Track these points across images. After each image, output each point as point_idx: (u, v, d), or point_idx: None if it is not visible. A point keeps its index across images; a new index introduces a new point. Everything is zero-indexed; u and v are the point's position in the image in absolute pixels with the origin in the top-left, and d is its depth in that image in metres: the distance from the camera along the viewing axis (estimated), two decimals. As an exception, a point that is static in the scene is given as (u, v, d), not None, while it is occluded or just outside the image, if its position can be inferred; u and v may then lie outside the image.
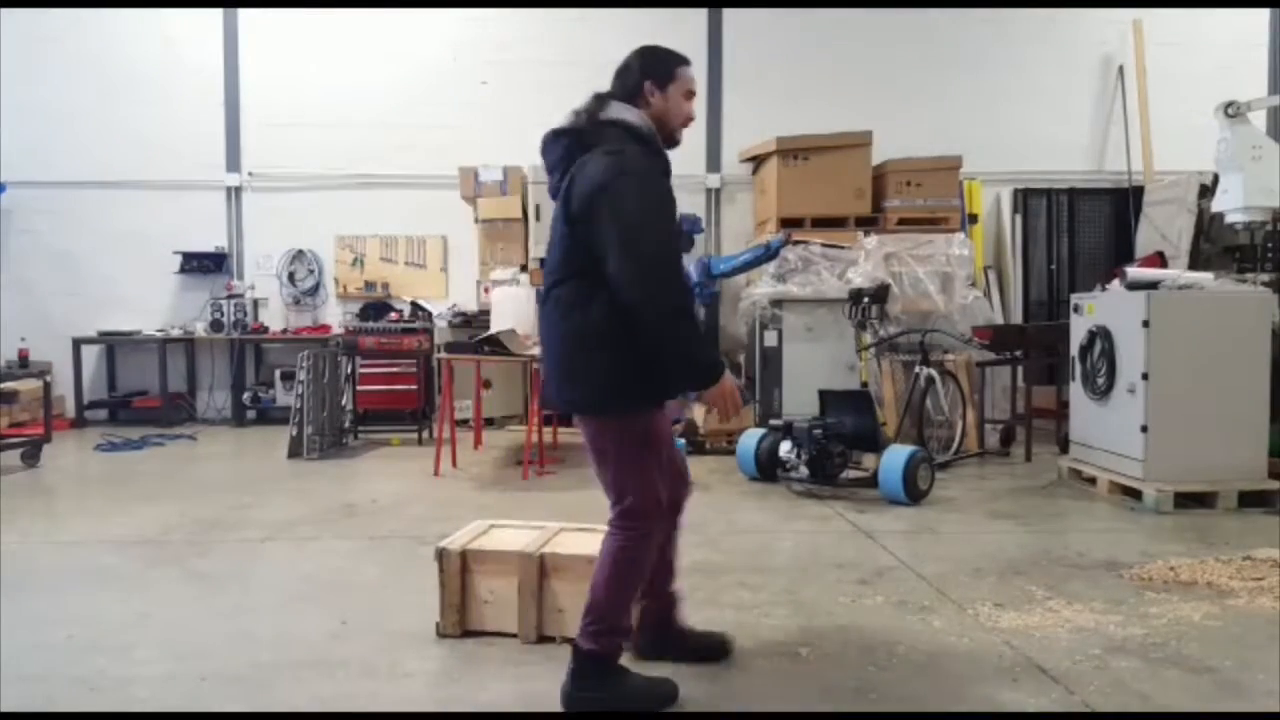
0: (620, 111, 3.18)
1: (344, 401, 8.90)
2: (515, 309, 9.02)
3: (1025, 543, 5.23)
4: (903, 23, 10.56)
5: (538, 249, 9.50)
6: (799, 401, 7.86)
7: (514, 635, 3.65)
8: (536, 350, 7.71)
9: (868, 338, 7.67)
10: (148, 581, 4.54)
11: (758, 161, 9.99)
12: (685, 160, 10.50)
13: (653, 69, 3.19)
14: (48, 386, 8.44)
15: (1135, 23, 10.49)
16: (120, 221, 10.47)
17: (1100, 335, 6.45)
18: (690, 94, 3.20)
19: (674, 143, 3.21)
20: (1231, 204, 6.92)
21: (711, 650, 3.46)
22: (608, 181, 2.96)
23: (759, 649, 3.54)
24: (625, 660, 3.20)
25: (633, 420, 3.05)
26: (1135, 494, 6.10)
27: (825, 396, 6.84)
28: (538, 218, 9.48)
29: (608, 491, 3.12)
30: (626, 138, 3.11)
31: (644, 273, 2.89)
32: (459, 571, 3.69)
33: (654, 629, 3.44)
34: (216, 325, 10.31)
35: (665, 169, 3.17)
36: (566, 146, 3.21)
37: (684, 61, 3.24)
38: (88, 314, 10.37)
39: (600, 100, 3.24)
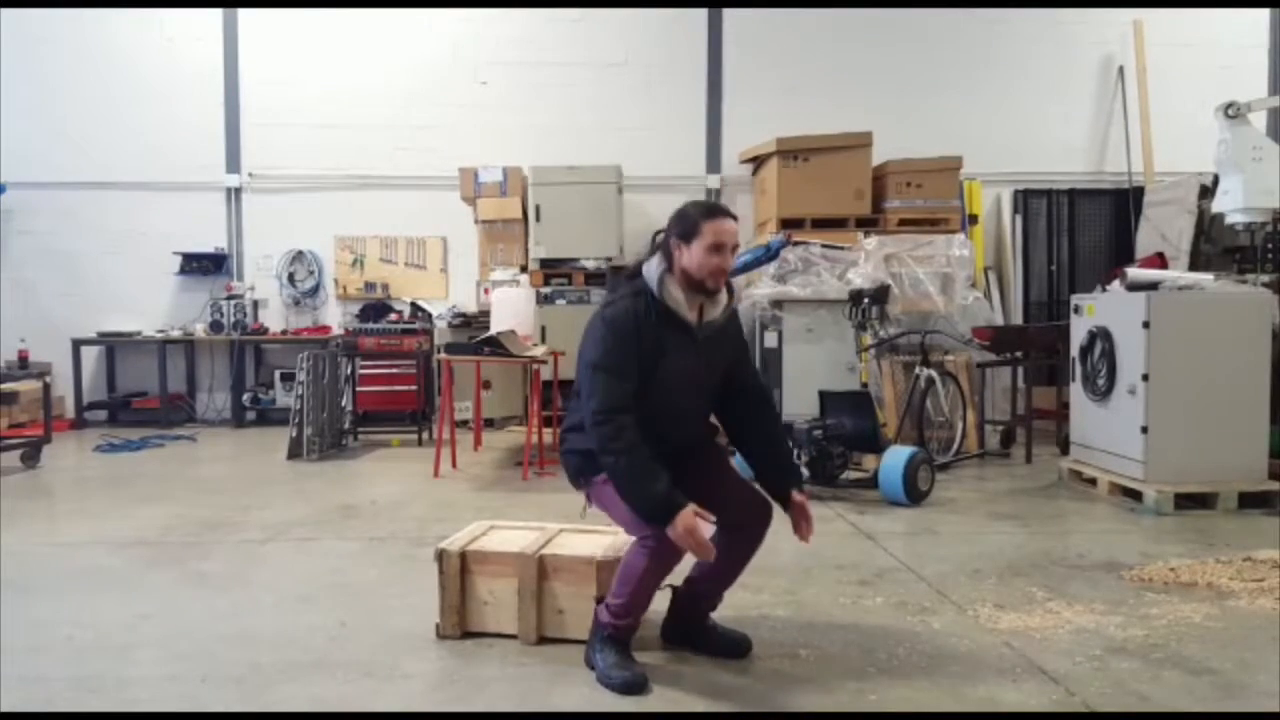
0: (646, 266, 3.43)
1: (344, 402, 8.90)
2: (515, 310, 9.03)
3: (1025, 544, 5.22)
4: (903, 23, 10.56)
5: (537, 250, 9.53)
6: (799, 402, 7.86)
7: (514, 636, 3.65)
8: (536, 351, 7.74)
9: (868, 339, 7.67)
10: (147, 583, 4.54)
11: (758, 162, 9.99)
12: (685, 161, 10.58)
13: (678, 226, 3.37)
14: (47, 387, 8.43)
15: (1136, 23, 10.49)
16: (120, 222, 10.48)
17: (1100, 336, 6.45)
18: (718, 246, 3.31)
19: (706, 290, 3.36)
20: (1232, 205, 6.93)
21: (731, 648, 3.53)
22: (587, 327, 3.40)
23: (759, 650, 3.54)
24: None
25: (600, 482, 3.33)
26: (1136, 495, 6.10)
27: (825, 397, 6.84)
28: (538, 218, 9.50)
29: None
30: (630, 290, 3.38)
31: (590, 419, 3.23)
32: (458, 573, 3.69)
33: (682, 618, 3.61)
34: (216, 326, 10.31)
35: (665, 323, 3.33)
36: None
37: (713, 215, 3.35)
38: (87, 315, 10.38)
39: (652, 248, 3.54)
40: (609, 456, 3.19)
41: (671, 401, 3.34)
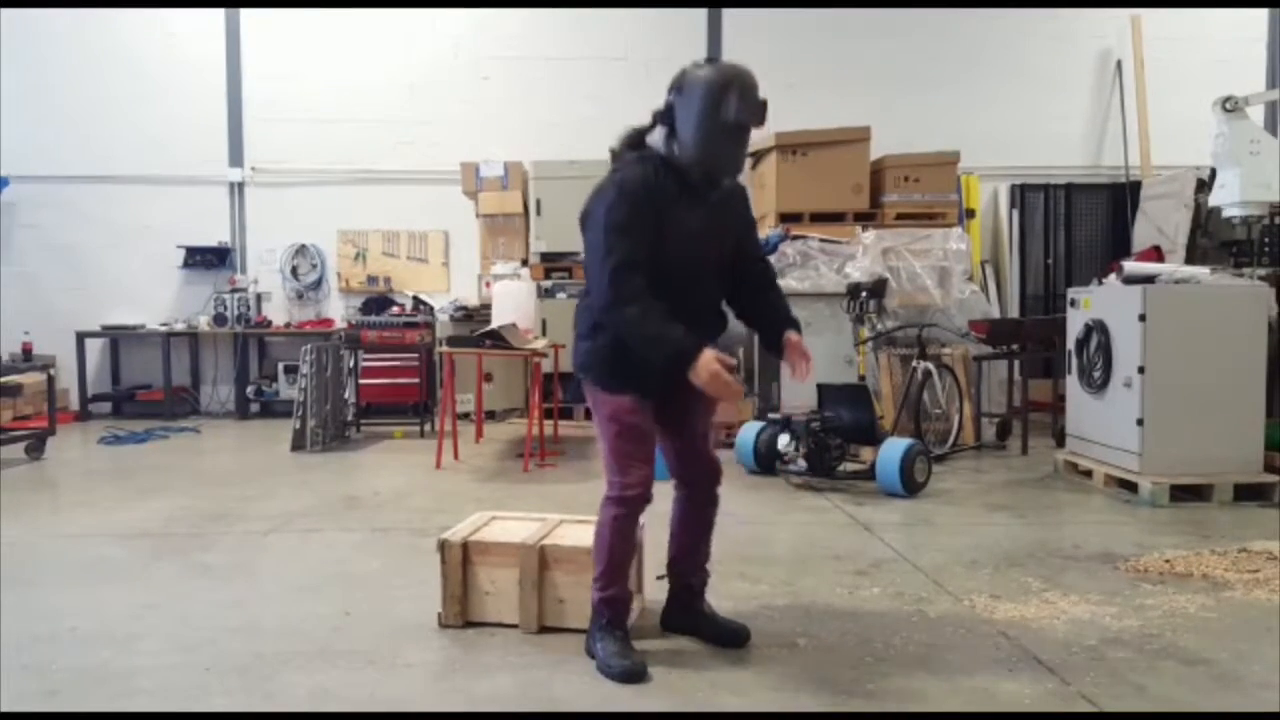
0: (650, 136, 3.34)
1: (346, 395, 8.94)
2: (516, 303, 9.03)
3: (1021, 535, 5.25)
4: (901, 18, 10.57)
5: (538, 243, 9.55)
6: (797, 395, 7.87)
7: (515, 626, 3.68)
8: (537, 344, 7.76)
9: (865, 332, 7.69)
10: (151, 573, 4.57)
11: (756, 157, 9.99)
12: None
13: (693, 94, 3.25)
14: (51, 380, 8.47)
15: (1134, 18, 10.49)
16: (124, 216, 10.51)
17: (1097, 329, 6.47)
18: (739, 127, 3.25)
19: (710, 181, 3.32)
20: (1229, 198, 6.96)
21: (730, 637, 3.56)
22: (593, 194, 3.31)
23: (757, 639, 3.57)
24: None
25: (603, 397, 3.35)
26: (1131, 487, 6.13)
27: (823, 390, 6.86)
28: (539, 212, 9.53)
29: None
30: (637, 156, 3.31)
31: (605, 276, 3.16)
32: (460, 563, 3.72)
33: (678, 605, 3.65)
34: (220, 319, 10.35)
35: (675, 186, 3.25)
36: None
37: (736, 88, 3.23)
38: (91, 308, 10.41)
39: None
40: (625, 308, 3.13)
41: (683, 268, 3.26)
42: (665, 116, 3.27)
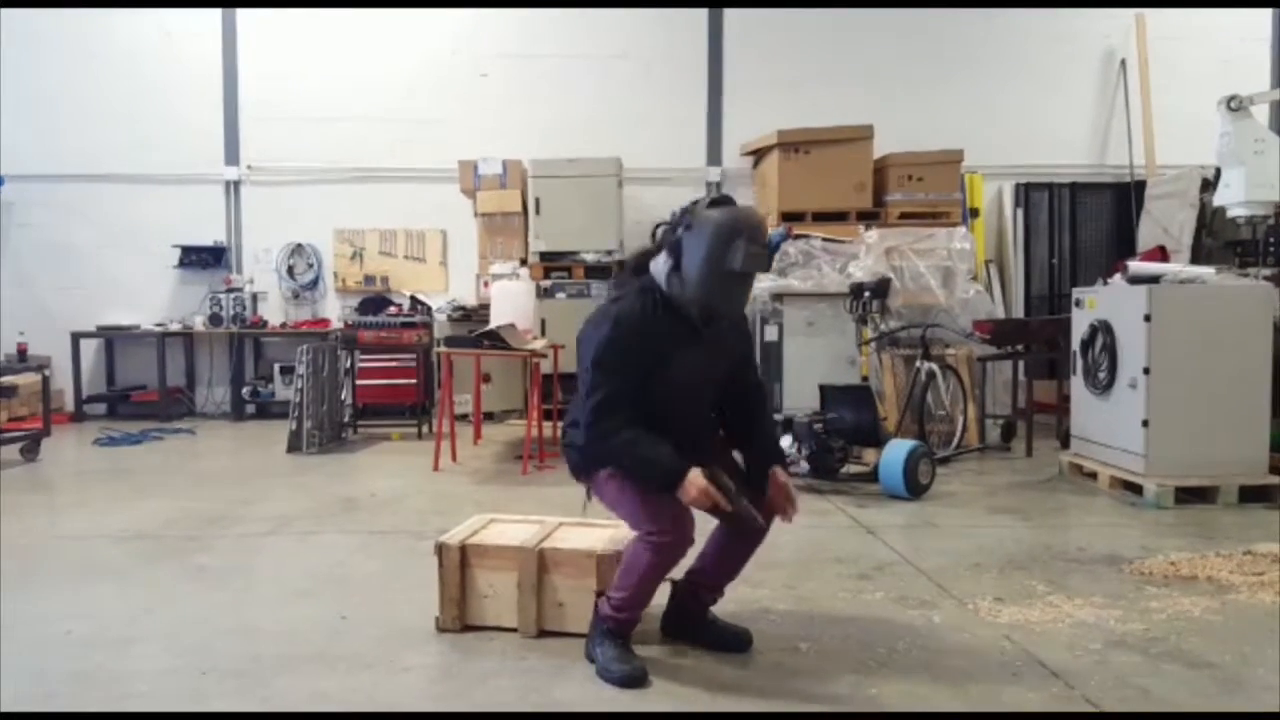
0: (653, 264, 3.39)
1: (343, 396, 8.91)
2: (514, 303, 9.00)
3: (1026, 537, 5.23)
4: (904, 16, 10.55)
5: (537, 243, 9.52)
6: (800, 396, 7.85)
7: (513, 630, 3.65)
8: (536, 344, 7.73)
9: (869, 332, 7.66)
10: (147, 576, 4.54)
11: (759, 155, 9.98)
12: (685, 153, 10.57)
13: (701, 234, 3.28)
14: (46, 381, 8.44)
15: (1138, 16, 10.48)
16: (119, 215, 10.49)
17: (1102, 329, 6.44)
18: (742, 276, 3.30)
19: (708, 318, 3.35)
20: (1233, 198, 6.94)
21: (731, 642, 3.53)
22: (590, 320, 3.37)
23: (759, 643, 3.54)
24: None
25: (608, 473, 3.34)
26: (1136, 489, 6.10)
27: (826, 391, 6.83)
28: (538, 211, 9.49)
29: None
30: (637, 287, 3.36)
31: (589, 413, 3.25)
32: (458, 566, 3.69)
33: (681, 610, 3.61)
34: (215, 319, 10.32)
35: (671, 321, 3.30)
36: None
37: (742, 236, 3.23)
38: (86, 308, 10.38)
39: None
40: (610, 441, 3.22)
41: (676, 399, 3.32)
42: (672, 249, 3.28)
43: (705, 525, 3.45)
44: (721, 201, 3.30)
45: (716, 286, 3.23)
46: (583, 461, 3.41)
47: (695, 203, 3.31)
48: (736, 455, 3.59)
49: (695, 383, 3.38)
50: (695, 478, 3.15)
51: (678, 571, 3.46)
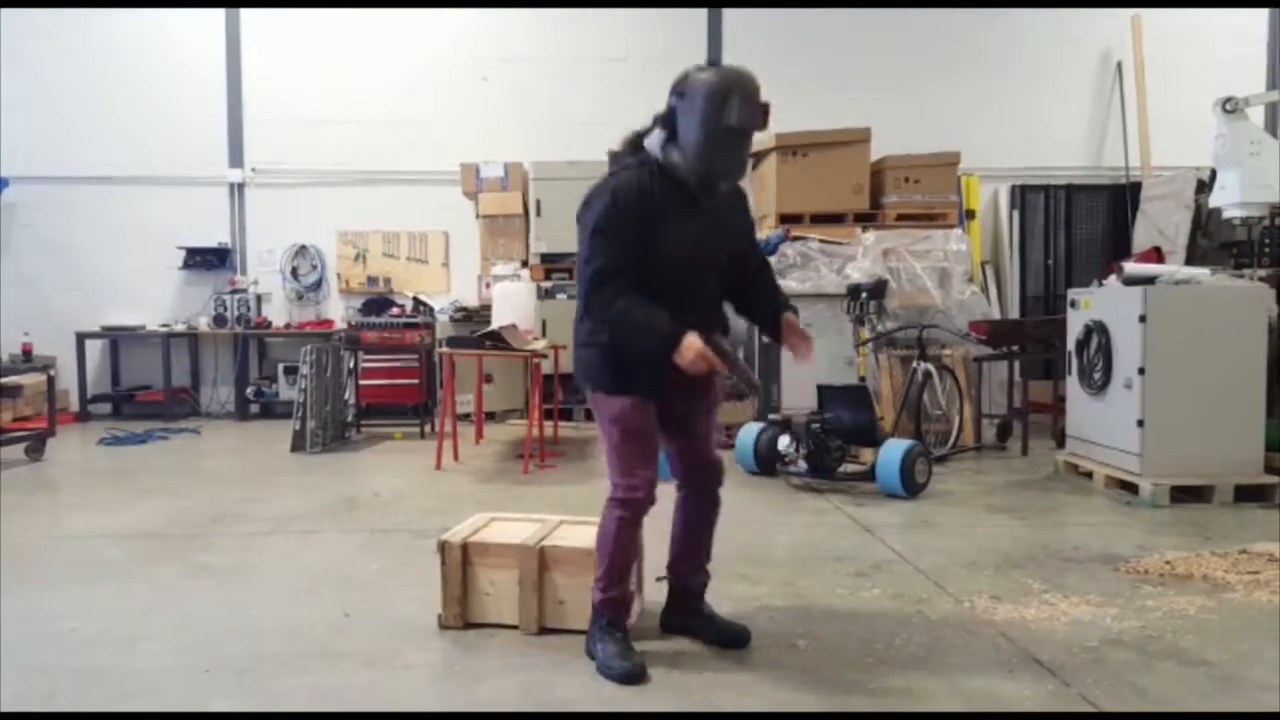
0: (648, 139, 3.34)
1: (346, 396, 8.94)
2: (516, 304, 9.03)
3: (1022, 536, 5.25)
4: (902, 20, 10.57)
5: (538, 244, 9.56)
6: (797, 396, 7.88)
7: (515, 627, 3.68)
8: (537, 345, 7.77)
9: (866, 333, 7.69)
10: (151, 575, 4.57)
11: (757, 157, 9.98)
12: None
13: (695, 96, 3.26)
14: (51, 381, 8.48)
15: (1134, 18, 10.49)
16: (123, 217, 10.50)
17: (1097, 330, 6.47)
18: (740, 132, 3.26)
19: (707, 187, 3.32)
20: (1229, 199, 6.96)
21: (730, 638, 3.56)
22: (588, 195, 3.32)
23: (757, 640, 3.57)
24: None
25: (604, 400, 3.36)
26: (1131, 488, 6.13)
27: (823, 391, 6.86)
28: (539, 213, 9.53)
29: None
30: (635, 161, 3.32)
31: (589, 281, 3.24)
32: (460, 564, 3.72)
33: (678, 606, 3.66)
34: (220, 320, 10.35)
35: (670, 191, 3.26)
36: None
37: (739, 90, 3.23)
38: (91, 309, 10.40)
39: None
40: (608, 307, 3.21)
41: (677, 271, 3.27)
42: (666, 120, 3.26)
43: (664, 515, 3.49)
44: (712, 64, 3.27)
45: (714, 147, 3.17)
46: (589, 368, 3.39)
47: (685, 72, 3.26)
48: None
49: (696, 255, 3.33)
50: (692, 340, 3.13)
51: (660, 568, 3.54)
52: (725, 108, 3.13)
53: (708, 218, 3.32)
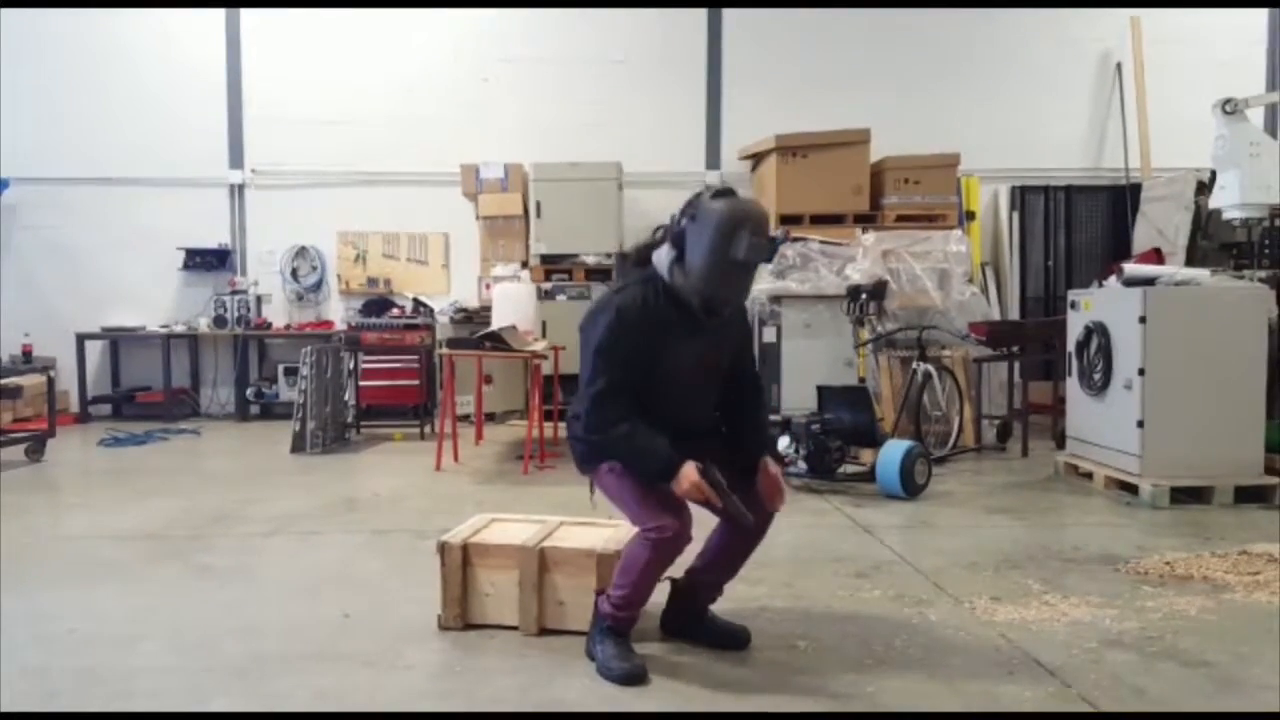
0: (656, 255, 3.41)
1: (346, 397, 8.94)
2: (516, 305, 9.03)
3: (1021, 537, 5.26)
4: (902, 21, 10.57)
5: (538, 245, 9.57)
6: (797, 397, 7.90)
7: (515, 628, 3.68)
8: (537, 346, 7.77)
9: (865, 334, 7.70)
10: (151, 575, 4.58)
11: (757, 159, 10.01)
12: (684, 157, 10.59)
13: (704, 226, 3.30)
14: (51, 382, 8.47)
15: (1133, 19, 10.49)
16: (123, 218, 10.51)
17: (1097, 331, 6.47)
18: (745, 265, 3.30)
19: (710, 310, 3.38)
20: (1229, 200, 6.95)
21: (730, 639, 3.57)
22: (593, 308, 3.42)
23: (758, 640, 3.57)
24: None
25: (605, 472, 3.38)
26: (1131, 489, 6.13)
27: (823, 392, 6.87)
28: (539, 214, 9.54)
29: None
30: (640, 278, 3.39)
31: (589, 400, 3.30)
32: (460, 565, 3.72)
33: (680, 608, 3.64)
34: (220, 321, 10.35)
35: (673, 310, 3.33)
36: None
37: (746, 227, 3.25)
38: (91, 310, 10.40)
39: None
40: (608, 432, 3.26)
41: (677, 390, 3.35)
42: (676, 240, 3.30)
43: (706, 524, 3.49)
44: (725, 193, 3.31)
45: (720, 276, 3.24)
46: (586, 453, 3.44)
47: (699, 195, 3.32)
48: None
49: (696, 374, 3.41)
50: (689, 472, 3.17)
51: (677, 570, 3.50)
52: (734, 242, 3.18)
53: (709, 335, 3.39)
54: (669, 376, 3.33)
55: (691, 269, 3.26)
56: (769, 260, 3.36)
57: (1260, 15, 10.74)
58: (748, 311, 3.91)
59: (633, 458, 3.27)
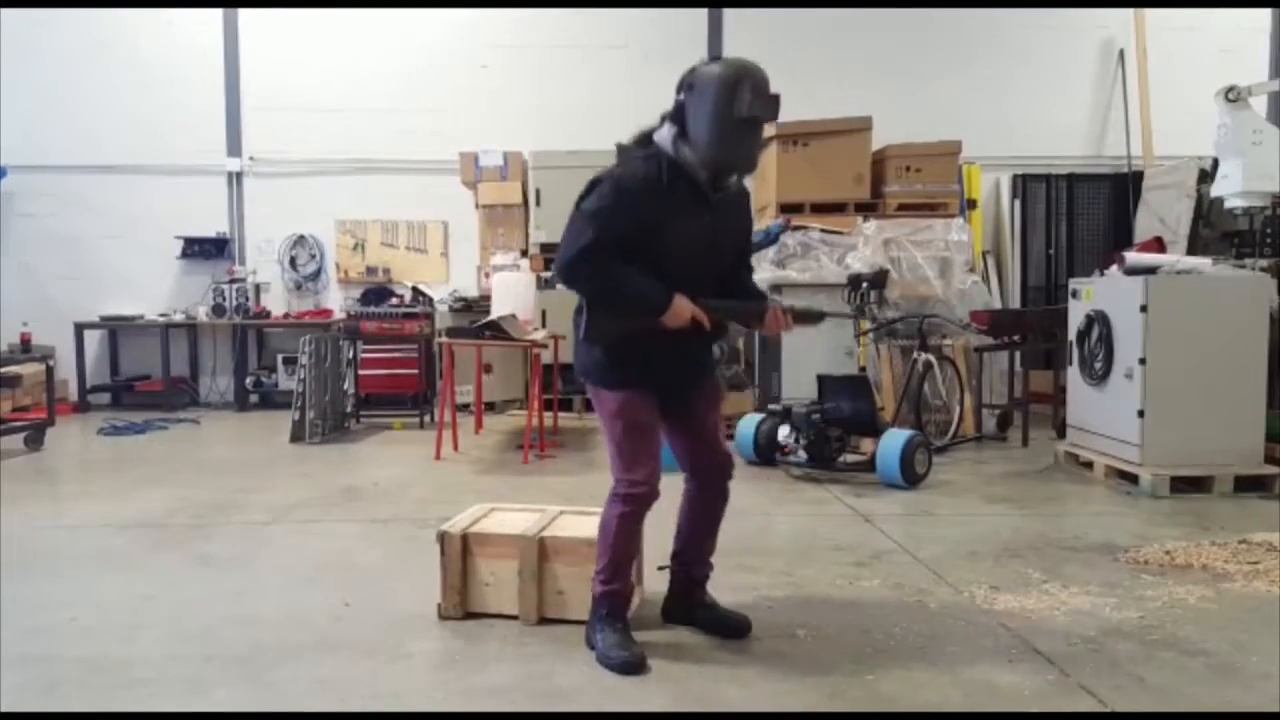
0: (657, 134, 3.32)
1: (346, 386, 8.94)
2: (515, 294, 9.06)
3: (1022, 526, 5.26)
4: (903, 8, 10.52)
5: (538, 234, 9.55)
6: (798, 386, 7.87)
7: (514, 617, 3.68)
8: (537, 335, 7.77)
9: (866, 323, 7.68)
10: (151, 564, 4.58)
11: (758, 147, 9.97)
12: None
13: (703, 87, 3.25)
14: (50, 370, 8.47)
15: (1136, 11, 10.45)
16: (122, 206, 10.49)
17: (1098, 320, 6.46)
18: (751, 122, 3.24)
19: (717, 181, 3.33)
20: (1231, 189, 6.93)
21: (730, 628, 3.57)
22: (591, 181, 3.29)
23: (757, 630, 3.57)
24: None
25: (605, 395, 3.36)
26: (1132, 478, 6.13)
27: (824, 381, 6.85)
28: (538, 203, 9.52)
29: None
30: (642, 154, 3.29)
31: (573, 254, 3.20)
32: (460, 554, 3.72)
33: (679, 596, 3.66)
34: (218, 310, 10.32)
35: (677, 184, 3.25)
36: None
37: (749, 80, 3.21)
38: (90, 298, 10.40)
39: None
40: (596, 279, 3.22)
41: (677, 267, 3.25)
42: (675, 115, 3.24)
43: (673, 497, 3.49)
44: (718, 59, 3.27)
45: (726, 138, 3.16)
46: (588, 364, 3.41)
47: (693, 67, 3.24)
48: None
49: (697, 252, 3.31)
50: (682, 300, 3.19)
51: (664, 558, 3.54)
52: (736, 98, 3.12)
53: (714, 214, 3.31)
54: (674, 254, 3.24)
55: (697, 137, 3.18)
56: (774, 117, 3.24)
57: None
58: (750, 196, 3.81)
59: (624, 296, 3.22)
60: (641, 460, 3.31)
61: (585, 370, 3.42)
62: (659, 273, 3.21)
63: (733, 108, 3.11)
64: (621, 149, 3.37)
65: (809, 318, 3.56)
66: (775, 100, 3.20)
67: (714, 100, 3.12)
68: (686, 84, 3.21)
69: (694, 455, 3.53)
